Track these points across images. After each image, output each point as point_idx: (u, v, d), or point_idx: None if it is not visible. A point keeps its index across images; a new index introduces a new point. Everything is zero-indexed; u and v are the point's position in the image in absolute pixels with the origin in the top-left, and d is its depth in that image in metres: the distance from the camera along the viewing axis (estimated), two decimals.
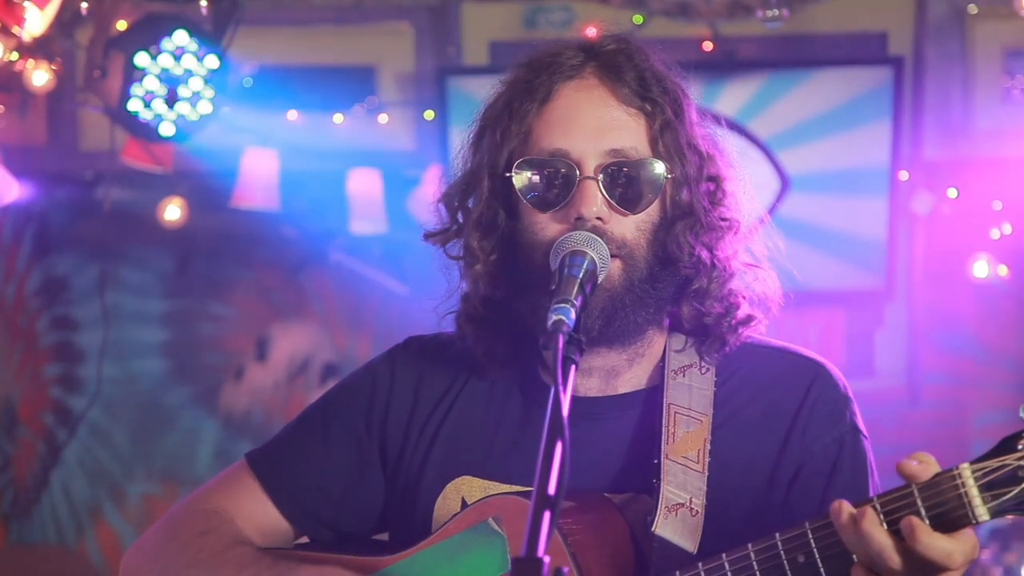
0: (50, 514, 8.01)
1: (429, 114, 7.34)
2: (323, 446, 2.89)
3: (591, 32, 6.97)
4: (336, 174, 7.34)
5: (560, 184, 2.67)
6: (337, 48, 7.56)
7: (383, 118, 7.39)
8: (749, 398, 2.75)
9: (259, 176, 7.05)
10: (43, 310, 8.11)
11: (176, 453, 7.96)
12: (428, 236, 2.84)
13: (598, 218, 2.64)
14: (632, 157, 2.66)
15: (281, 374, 7.92)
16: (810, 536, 2.42)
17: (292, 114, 7.25)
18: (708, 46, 7.29)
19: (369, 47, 7.59)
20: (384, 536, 2.93)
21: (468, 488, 2.77)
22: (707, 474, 2.65)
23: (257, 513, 2.90)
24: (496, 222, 2.76)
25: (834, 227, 7.35)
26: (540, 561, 1.99)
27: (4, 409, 7.96)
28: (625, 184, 2.66)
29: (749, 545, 2.48)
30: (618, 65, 2.71)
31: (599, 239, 2.60)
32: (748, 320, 2.77)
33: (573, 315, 2.42)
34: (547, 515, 2.06)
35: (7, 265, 8.01)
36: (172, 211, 7.35)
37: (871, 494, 2.50)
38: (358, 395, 2.91)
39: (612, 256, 2.63)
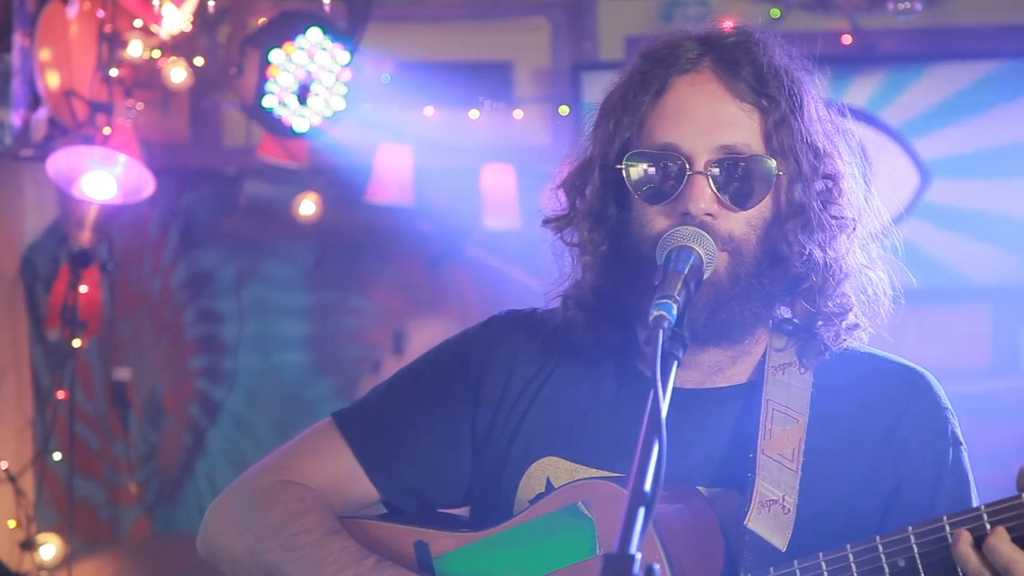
0: (195, 504, 8.14)
1: (564, 110, 7.34)
2: (415, 413, 2.87)
3: (728, 25, 6.96)
4: (471, 170, 7.38)
5: (670, 178, 2.65)
6: (473, 44, 7.59)
7: (518, 114, 7.41)
8: (846, 403, 2.72)
9: (393, 172, 7.11)
10: (188, 303, 8.26)
11: None
12: (546, 222, 2.84)
13: (707, 214, 2.61)
14: (743, 153, 2.63)
15: None
16: (912, 541, 2.43)
17: (429, 110, 7.30)
18: (847, 39, 7.19)
19: (505, 43, 7.61)
20: (465, 511, 2.92)
21: (554, 469, 2.76)
22: (800, 473, 2.64)
23: (344, 478, 2.88)
24: (607, 213, 2.75)
25: (980, 209, 7.18)
26: (632, 558, 1.97)
27: (150, 400, 8.12)
28: (735, 180, 2.63)
29: (848, 546, 2.48)
30: (735, 59, 2.68)
31: (706, 235, 2.58)
32: (854, 328, 2.73)
33: (675, 311, 2.40)
34: (641, 512, 2.04)
35: (154, 260, 8.17)
36: (307, 206, 7.44)
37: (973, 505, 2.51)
38: (453, 364, 2.89)
39: (719, 251, 2.60)
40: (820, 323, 2.70)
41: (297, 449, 2.93)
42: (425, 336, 7.99)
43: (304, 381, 8.16)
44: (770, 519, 2.59)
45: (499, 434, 2.83)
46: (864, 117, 6.97)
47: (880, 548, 2.45)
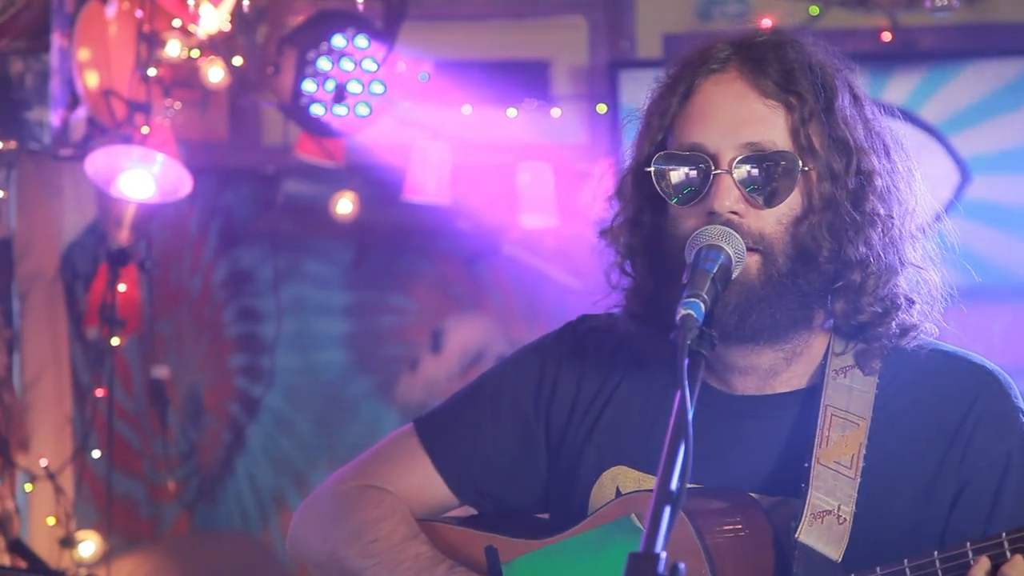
0: (235, 501, 8.17)
1: (602, 108, 7.33)
2: (491, 421, 2.90)
3: (766, 23, 6.95)
4: (508, 168, 7.38)
5: (696, 178, 2.64)
6: (511, 43, 7.58)
7: (556, 112, 7.40)
8: (911, 403, 2.68)
9: (430, 170, 7.11)
10: (228, 302, 8.29)
11: (358, 443, 8.00)
12: (601, 234, 2.83)
13: (734, 212, 2.60)
14: (768, 150, 2.62)
15: (455, 366, 7.98)
16: (970, 556, 2.40)
17: (467, 109, 7.30)
18: (887, 36, 7.16)
19: (543, 41, 7.60)
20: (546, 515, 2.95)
21: (623, 479, 2.76)
22: (859, 480, 2.61)
23: (423, 485, 2.91)
24: (642, 218, 2.75)
25: (1021, 205, 7.11)
26: (656, 557, 1.97)
27: (190, 398, 8.15)
28: (760, 178, 2.61)
29: (905, 560, 2.45)
30: (763, 57, 2.66)
31: (734, 233, 2.57)
32: (912, 328, 2.69)
33: (703, 309, 2.39)
34: (667, 511, 2.04)
35: (193, 258, 8.20)
36: (344, 205, 7.44)
37: None
38: (527, 373, 2.90)
39: (749, 250, 2.59)
40: (871, 324, 2.67)
41: (378, 455, 2.97)
42: (463, 334, 8.00)
43: (344, 379, 8.18)
44: (823, 530, 2.57)
45: (571, 442, 2.84)
46: (904, 114, 6.91)
47: (907, 572, 2.43)
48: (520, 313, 7.88)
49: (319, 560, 2.90)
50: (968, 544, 2.41)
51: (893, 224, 2.67)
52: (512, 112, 7.35)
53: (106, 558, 6.63)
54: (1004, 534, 2.38)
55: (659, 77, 2.77)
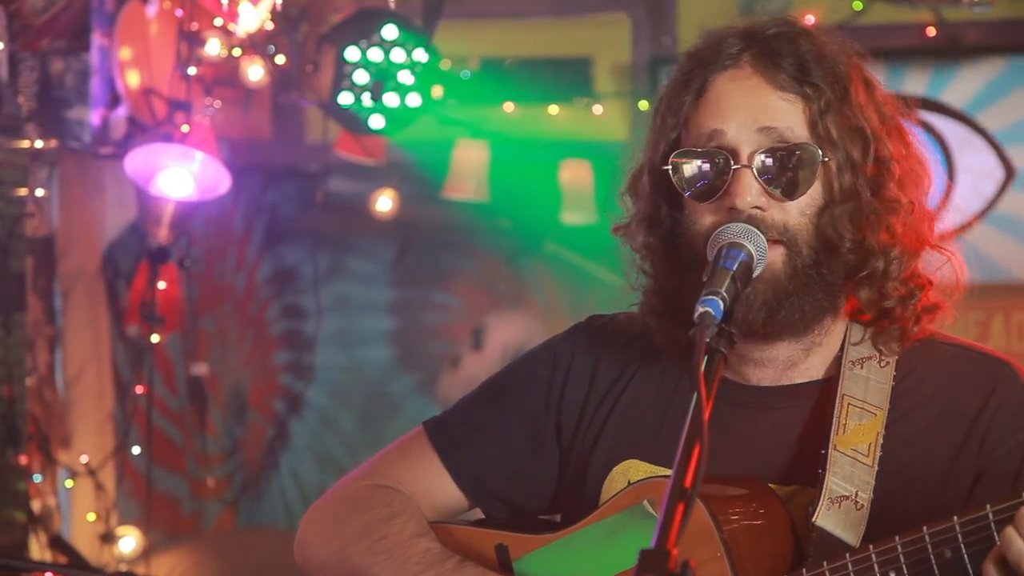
0: (279, 498, 8.21)
1: (643, 105, 7.31)
2: (501, 422, 2.90)
3: (809, 19, 6.92)
4: (549, 165, 7.38)
5: (715, 174, 2.62)
6: (553, 39, 7.59)
7: (598, 109, 7.40)
8: (928, 395, 2.67)
9: (470, 167, 7.13)
10: (273, 299, 8.33)
11: None
12: (615, 231, 2.82)
13: (756, 207, 2.59)
14: (787, 140, 2.60)
15: (496, 364, 7.98)
16: (958, 531, 2.37)
17: (508, 106, 7.31)
18: (932, 32, 7.10)
19: (585, 38, 7.60)
20: (557, 517, 2.93)
21: (635, 472, 2.75)
22: (877, 468, 2.59)
23: (433, 486, 2.90)
24: (659, 216, 2.73)
25: None
26: (668, 553, 1.96)
27: (234, 395, 8.19)
28: (781, 170, 2.59)
29: (896, 537, 2.43)
30: (776, 50, 2.64)
31: (756, 231, 2.55)
32: (933, 308, 2.69)
33: (722, 307, 2.38)
34: (680, 508, 2.03)
35: (238, 255, 8.25)
36: (384, 202, 7.47)
37: None
38: (538, 372, 2.90)
39: (774, 243, 2.57)
40: (894, 306, 2.66)
41: (389, 457, 2.96)
42: (504, 332, 8.00)
43: (387, 376, 8.21)
44: (841, 515, 2.55)
45: (582, 440, 2.83)
46: (949, 111, 6.88)
47: (927, 539, 2.40)
48: (561, 310, 7.88)
49: (324, 560, 2.89)
50: (988, 507, 2.37)
51: (913, 208, 2.67)
52: (553, 109, 7.35)
53: (146, 554, 6.67)
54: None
55: (669, 73, 2.76)
